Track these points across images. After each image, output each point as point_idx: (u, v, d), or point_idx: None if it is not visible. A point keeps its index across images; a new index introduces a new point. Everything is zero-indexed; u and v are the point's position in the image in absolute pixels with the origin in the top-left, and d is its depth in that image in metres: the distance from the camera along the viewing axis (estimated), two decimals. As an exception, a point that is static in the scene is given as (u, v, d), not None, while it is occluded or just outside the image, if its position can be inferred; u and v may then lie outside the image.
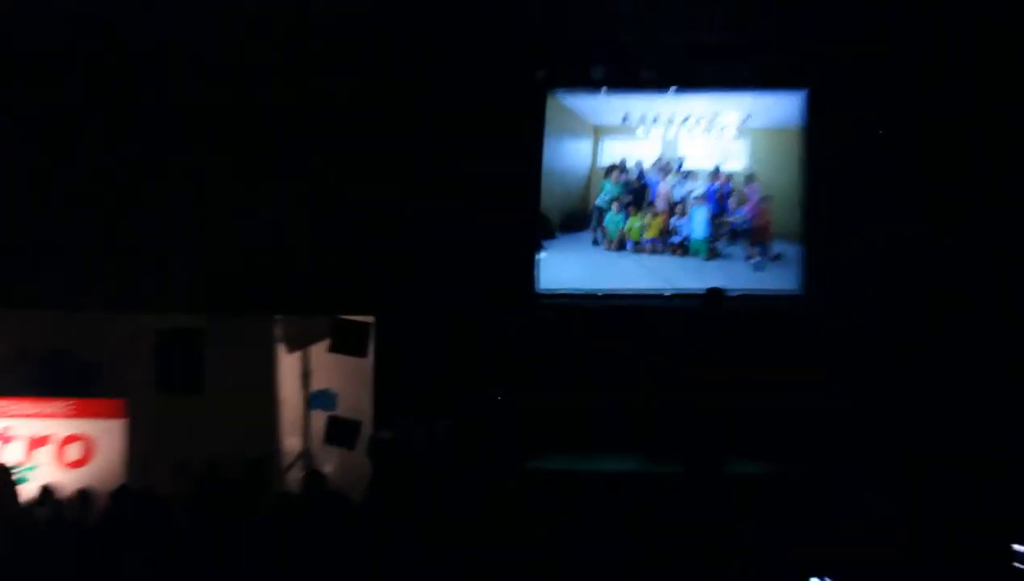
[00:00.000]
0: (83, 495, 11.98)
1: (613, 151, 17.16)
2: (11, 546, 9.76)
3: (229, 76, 16.25)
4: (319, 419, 14.09)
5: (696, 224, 16.82)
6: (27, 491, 11.79)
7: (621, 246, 17.02)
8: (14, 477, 10.95)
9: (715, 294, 14.75)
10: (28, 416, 14.12)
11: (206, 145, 16.30)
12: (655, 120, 17.05)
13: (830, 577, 8.23)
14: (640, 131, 17.10)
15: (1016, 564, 9.10)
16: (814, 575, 8.36)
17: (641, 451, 14.91)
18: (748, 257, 16.77)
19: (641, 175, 17.00)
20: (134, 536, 9.63)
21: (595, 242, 17.07)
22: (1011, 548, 9.43)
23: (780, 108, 16.83)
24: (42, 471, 13.81)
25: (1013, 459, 12.60)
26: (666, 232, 16.92)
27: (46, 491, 12.01)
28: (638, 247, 17.01)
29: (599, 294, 16.92)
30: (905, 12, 15.71)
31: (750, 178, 16.80)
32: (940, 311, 15.28)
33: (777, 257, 16.70)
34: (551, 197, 17.12)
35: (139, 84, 16.65)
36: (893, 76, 15.89)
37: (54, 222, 15.96)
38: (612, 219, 17.00)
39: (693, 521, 11.41)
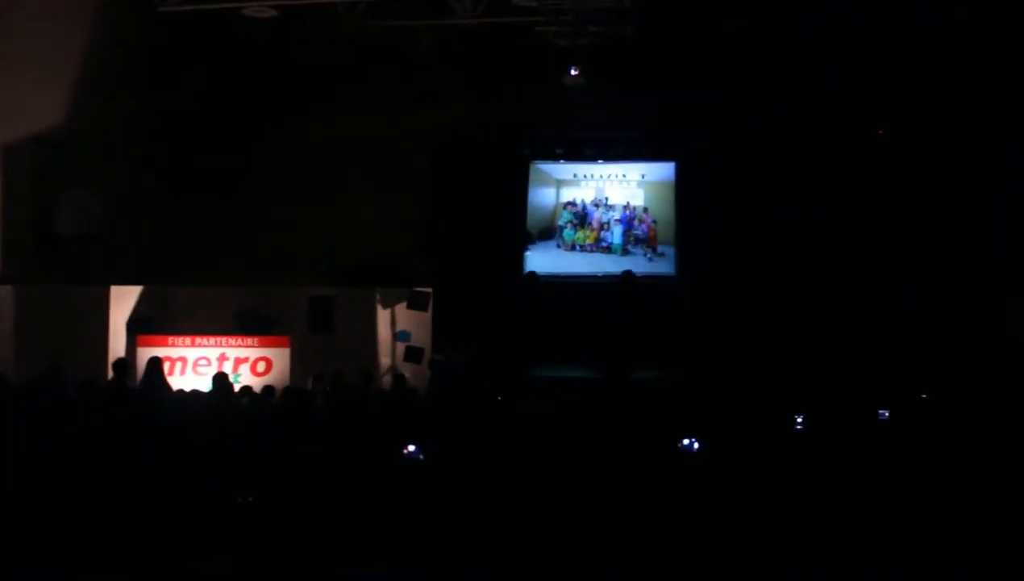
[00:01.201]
0: (266, 391, 12.04)
1: (568, 194, 17.69)
2: (230, 418, 9.93)
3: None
4: (401, 347, 14.00)
5: (615, 235, 17.28)
6: (235, 388, 11.84)
7: (573, 248, 17.44)
8: (229, 380, 11.12)
9: (627, 275, 15.41)
10: (235, 346, 14.02)
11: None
12: (591, 177, 17.61)
13: (696, 439, 7.80)
14: (583, 183, 17.66)
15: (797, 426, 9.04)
16: (684, 438, 7.78)
17: (583, 364, 15.17)
18: (645, 254, 17.25)
19: (584, 207, 17.61)
20: (294, 414, 9.78)
21: (558, 246, 17.63)
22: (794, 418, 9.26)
23: (662, 170, 17.56)
24: (243, 377, 13.68)
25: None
26: (598, 240, 17.12)
27: (246, 388, 12.10)
28: (582, 249, 17.38)
29: (561, 274, 17.28)
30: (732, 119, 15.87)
31: (645, 209, 17.46)
32: (741, 286, 15.64)
33: (661, 254, 17.31)
34: (532, 220, 17.72)
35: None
36: (723, 155, 16.18)
37: (252, 231, 16.17)
38: (567, 233, 17.53)
39: (611, 404, 11.55)
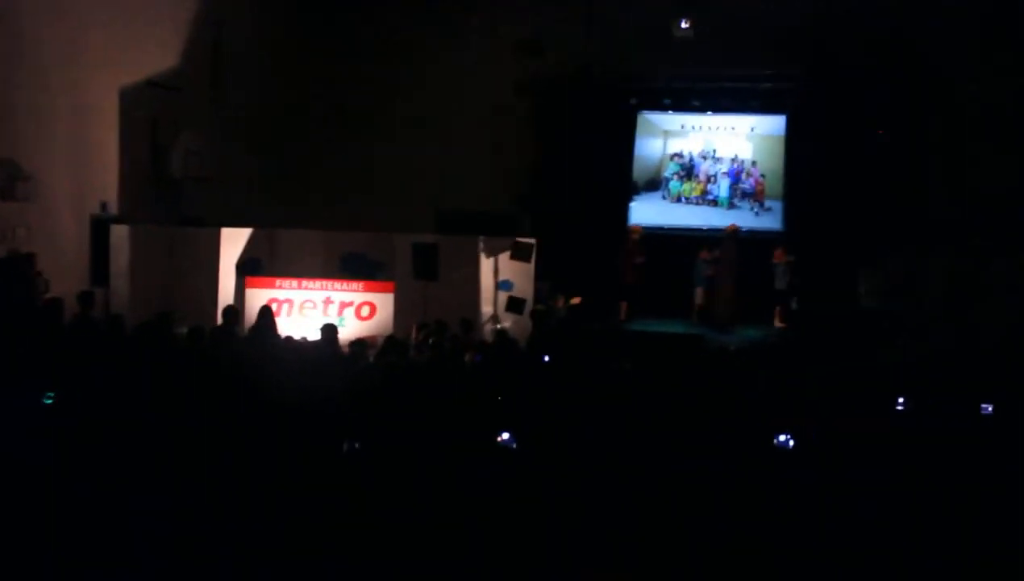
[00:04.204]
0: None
1: (675, 145, 17.43)
2: (333, 360, 9.99)
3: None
4: (502, 297, 14.01)
5: (721, 189, 17.13)
6: (341, 333, 11.80)
7: (678, 200, 17.25)
8: (337, 333, 10.98)
9: (732, 229, 15.13)
10: (341, 290, 14.24)
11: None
12: (699, 128, 17.25)
13: (788, 435, 6.79)
14: (691, 134, 17.33)
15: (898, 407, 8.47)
16: (780, 433, 6.84)
17: (683, 319, 15.32)
18: (751, 208, 16.95)
19: (691, 159, 17.35)
20: (392, 363, 9.79)
21: (663, 197, 17.41)
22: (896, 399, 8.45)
23: (772, 123, 17.15)
24: (348, 321, 13.92)
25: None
26: (704, 193, 16.90)
27: (359, 342, 11.79)
28: (688, 201, 17.16)
29: (665, 227, 17.12)
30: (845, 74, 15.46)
31: (753, 163, 17.18)
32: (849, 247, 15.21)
33: (768, 209, 16.96)
34: (638, 171, 17.44)
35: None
36: (835, 110, 15.79)
37: (359, 176, 16.52)
38: (673, 185, 17.34)
39: (712, 358, 11.68)
